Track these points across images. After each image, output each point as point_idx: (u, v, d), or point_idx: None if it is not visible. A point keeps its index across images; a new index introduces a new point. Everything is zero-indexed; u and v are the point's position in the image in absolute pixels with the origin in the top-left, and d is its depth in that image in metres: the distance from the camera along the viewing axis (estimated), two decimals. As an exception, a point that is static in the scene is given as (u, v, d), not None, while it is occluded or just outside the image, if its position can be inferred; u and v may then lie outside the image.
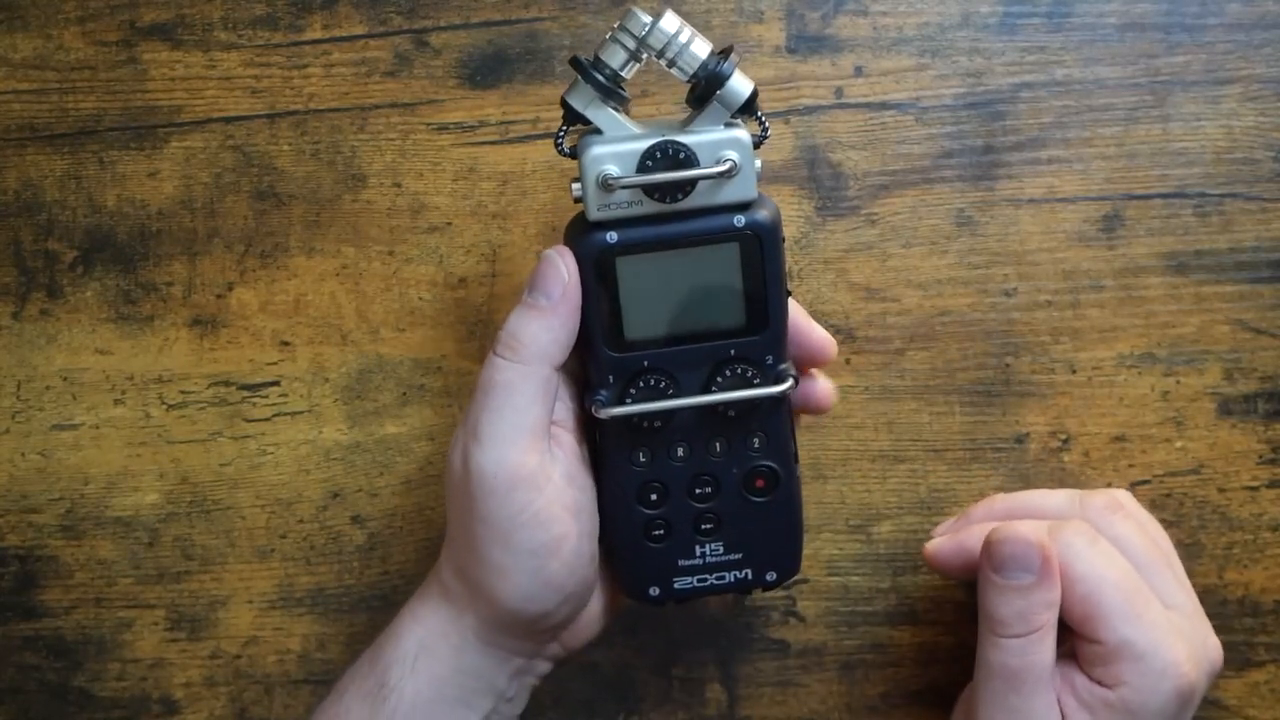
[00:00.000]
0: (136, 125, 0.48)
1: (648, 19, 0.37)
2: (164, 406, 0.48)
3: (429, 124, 0.48)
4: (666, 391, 0.39)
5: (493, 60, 0.48)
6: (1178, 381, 0.47)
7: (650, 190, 0.37)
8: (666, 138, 0.37)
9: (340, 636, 0.49)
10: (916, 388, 0.47)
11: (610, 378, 0.39)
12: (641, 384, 0.39)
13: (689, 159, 0.37)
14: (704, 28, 0.47)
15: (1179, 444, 0.47)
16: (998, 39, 0.47)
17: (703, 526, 0.40)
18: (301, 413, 0.48)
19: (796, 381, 0.39)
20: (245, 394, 0.48)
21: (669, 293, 0.39)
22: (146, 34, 0.48)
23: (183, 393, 0.48)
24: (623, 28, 0.37)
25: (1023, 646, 0.38)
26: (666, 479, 0.40)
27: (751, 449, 0.40)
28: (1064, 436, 0.47)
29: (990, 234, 0.47)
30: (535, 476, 0.37)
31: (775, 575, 0.41)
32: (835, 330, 0.47)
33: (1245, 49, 0.47)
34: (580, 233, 0.38)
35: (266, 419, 0.48)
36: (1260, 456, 0.47)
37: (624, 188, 0.37)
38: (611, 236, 0.38)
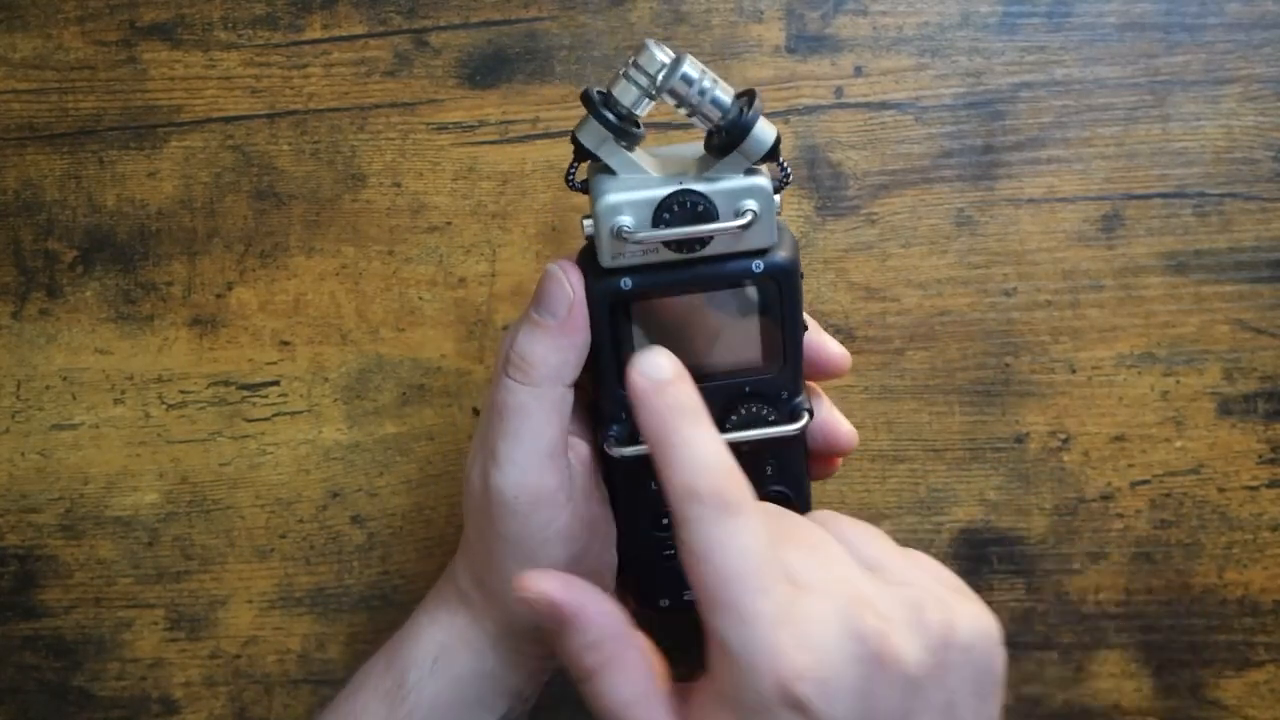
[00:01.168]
0: (136, 125, 0.48)
1: (664, 58, 0.35)
2: (164, 406, 0.48)
3: (429, 124, 0.48)
4: None
5: (492, 60, 0.48)
6: (1177, 381, 0.47)
7: (667, 240, 0.35)
8: (684, 186, 0.35)
9: (340, 636, 0.48)
10: (916, 388, 0.47)
11: (623, 414, 0.38)
12: None
13: (708, 211, 0.35)
14: (704, 27, 0.47)
15: (1179, 444, 0.47)
16: (998, 39, 0.47)
17: None
18: (301, 412, 0.48)
19: (811, 416, 0.38)
20: (245, 394, 0.48)
21: (684, 333, 0.38)
22: (146, 34, 0.48)
23: (182, 392, 0.48)
24: (637, 65, 0.35)
25: (588, 693, 0.34)
26: None
27: (765, 476, 0.39)
28: (1064, 436, 0.47)
29: (990, 234, 0.47)
30: (556, 496, 0.37)
31: None
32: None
33: (1245, 49, 0.47)
34: (593, 276, 0.37)
35: (266, 419, 0.48)
36: (1260, 456, 0.47)
37: (639, 243, 0.35)
38: (626, 283, 0.36)
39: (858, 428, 0.47)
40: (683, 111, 0.35)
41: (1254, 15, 0.47)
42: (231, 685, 0.49)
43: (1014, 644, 0.47)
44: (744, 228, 0.35)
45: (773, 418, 0.38)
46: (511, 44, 0.48)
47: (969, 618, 0.32)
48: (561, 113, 0.48)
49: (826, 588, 0.31)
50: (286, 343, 0.48)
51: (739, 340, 0.38)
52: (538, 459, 0.37)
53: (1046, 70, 0.47)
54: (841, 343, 0.47)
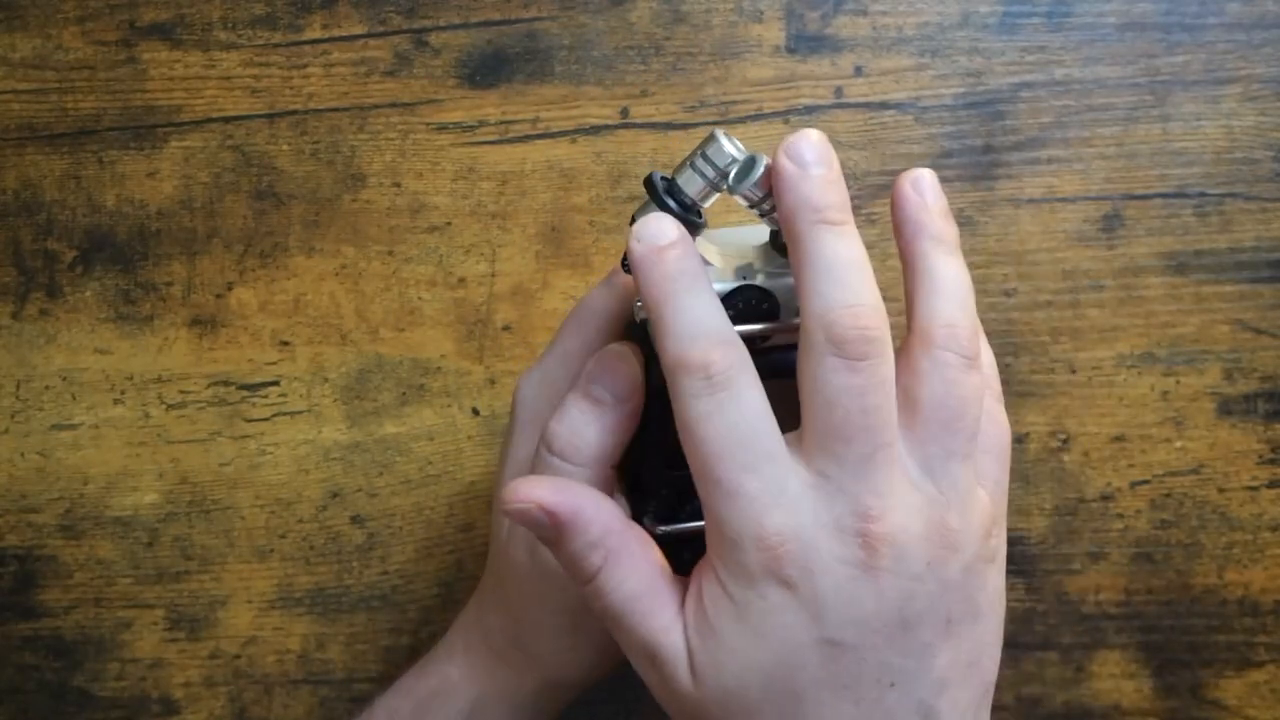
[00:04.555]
0: (136, 125, 0.48)
1: (733, 151, 0.33)
2: (163, 406, 0.48)
3: (428, 124, 0.48)
4: None
5: (492, 60, 0.48)
6: (1178, 381, 0.47)
7: None
8: (748, 283, 0.34)
9: (340, 636, 0.48)
10: (916, 388, 0.47)
11: (664, 491, 0.37)
12: (696, 500, 0.37)
13: (770, 309, 0.34)
14: (704, 27, 0.47)
15: (1179, 444, 0.47)
16: (998, 39, 0.47)
17: None
18: (301, 413, 0.48)
19: None
20: (245, 394, 0.48)
21: None
22: (146, 34, 0.48)
23: (182, 392, 0.48)
24: (704, 157, 0.33)
25: (592, 593, 0.33)
26: None
27: None
28: (1064, 436, 0.47)
29: (990, 234, 0.47)
30: None
31: None
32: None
33: (1245, 49, 0.47)
34: (649, 360, 0.35)
35: (266, 419, 0.48)
36: (1260, 456, 0.47)
37: None
38: None
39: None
40: (754, 212, 0.34)
41: (1254, 15, 0.47)
42: (231, 685, 0.49)
43: (1014, 644, 0.47)
44: None
45: None
46: (511, 44, 0.48)
47: (973, 530, 0.31)
48: (561, 112, 0.48)
49: (826, 479, 0.30)
50: (286, 343, 0.48)
51: (790, 427, 0.37)
52: None
53: (1046, 70, 0.47)
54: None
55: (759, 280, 0.34)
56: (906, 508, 0.30)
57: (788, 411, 0.37)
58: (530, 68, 0.48)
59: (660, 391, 0.35)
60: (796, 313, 0.34)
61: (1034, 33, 0.47)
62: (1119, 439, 0.47)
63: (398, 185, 0.48)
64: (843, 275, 0.30)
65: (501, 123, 0.48)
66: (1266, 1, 0.47)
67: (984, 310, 0.47)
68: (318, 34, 0.48)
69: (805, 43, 0.47)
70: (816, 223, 0.31)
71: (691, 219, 0.35)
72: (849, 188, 0.47)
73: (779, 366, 0.35)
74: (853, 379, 0.30)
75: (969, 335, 0.32)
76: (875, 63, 0.47)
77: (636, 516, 0.38)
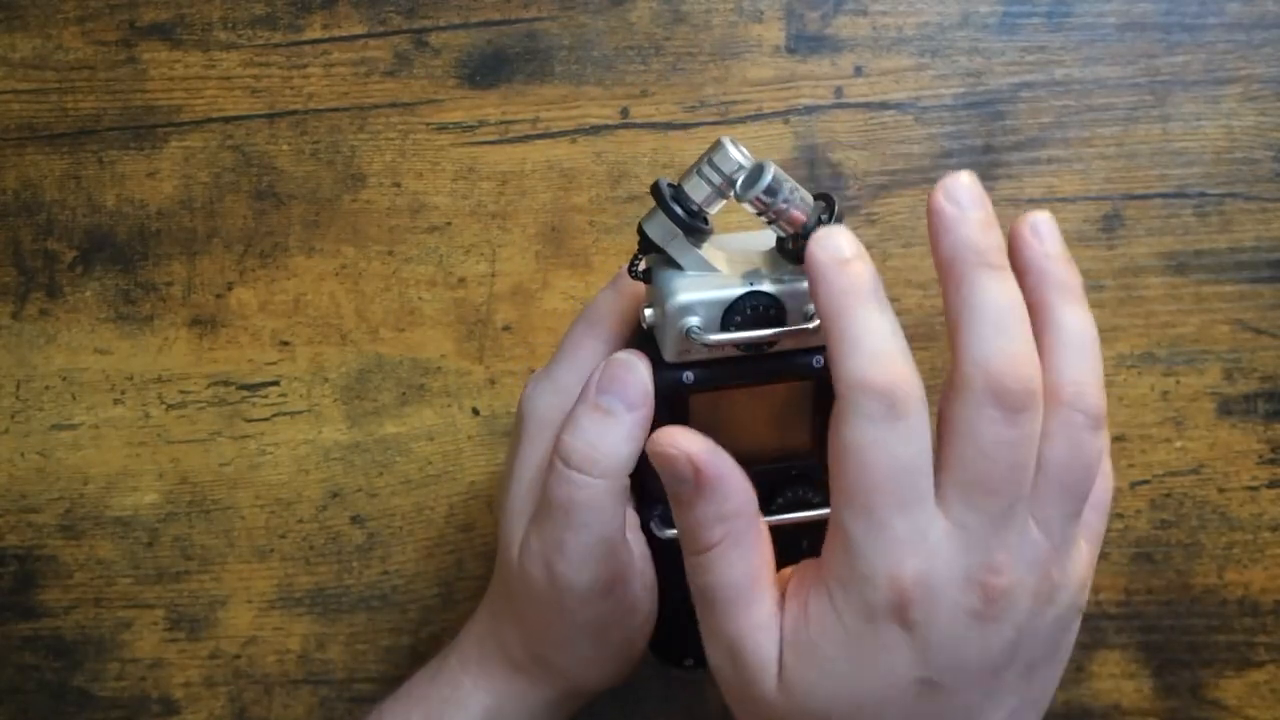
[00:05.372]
0: (136, 125, 0.48)
1: (740, 158, 0.33)
2: (163, 406, 0.48)
3: (428, 124, 0.48)
4: None
5: (492, 60, 0.48)
6: (1178, 381, 0.47)
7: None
8: (755, 288, 0.34)
9: (340, 636, 0.49)
10: (916, 388, 0.47)
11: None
12: None
13: (778, 315, 0.34)
14: (704, 27, 0.47)
15: (1179, 444, 0.47)
16: (997, 39, 0.47)
17: None
18: (301, 413, 0.48)
19: None
20: (245, 394, 0.48)
21: (739, 421, 0.37)
22: (146, 34, 0.48)
23: (182, 392, 0.48)
24: (711, 164, 0.34)
25: (699, 564, 0.32)
26: None
27: (799, 551, 0.38)
28: (1064, 436, 0.47)
29: (990, 234, 0.47)
30: (625, 572, 0.36)
31: None
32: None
33: (1245, 49, 0.47)
34: (654, 365, 0.36)
35: (266, 419, 0.48)
36: (1260, 456, 0.47)
37: (708, 345, 0.34)
38: (688, 377, 0.35)
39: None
40: (762, 220, 0.34)
41: (1254, 15, 0.47)
42: (231, 685, 0.49)
43: (1014, 644, 0.47)
44: (814, 331, 0.34)
45: (817, 500, 0.37)
46: (511, 44, 0.48)
47: (1072, 583, 0.32)
48: (561, 112, 0.48)
49: (964, 531, 0.30)
50: (286, 343, 0.48)
51: (791, 427, 0.37)
52: (609, 547, 0.36)
53: (1046, 70, 0.47)
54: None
55: (766, 286, 0.34)
56: (1026, 563, 0.30)
57: (786, 416, 0.37)
58: (530, 68, 0.48)
59: (665, 398, 0.35)
60: (803, 318, 0.34)
61: (1034, 33, 0.47)
62: (1119, 439, 0.47)
63: (398, 185, 0.48)
64: (1005, 322, 0.30)
65: (501, 123, 0.48)
66: (1266, 1, 0.47)
67: (984, 310, 0.47)
68: (318, 34, 0.48)
69: (805, 43, 0.47)
70: (979, 265, 0.30)
71: (698, 225, 0.35)
72: (848, 188, 0.48)
73: (784, 370, 0.35)
74: (1009, 432, 0.29)
75: (1096, 394, 0.31)
76: (875, 63, 0.47)
77: (642, 522, 0.38)
